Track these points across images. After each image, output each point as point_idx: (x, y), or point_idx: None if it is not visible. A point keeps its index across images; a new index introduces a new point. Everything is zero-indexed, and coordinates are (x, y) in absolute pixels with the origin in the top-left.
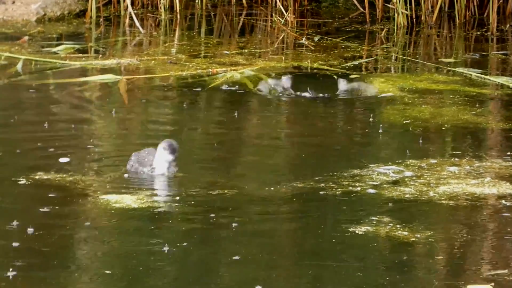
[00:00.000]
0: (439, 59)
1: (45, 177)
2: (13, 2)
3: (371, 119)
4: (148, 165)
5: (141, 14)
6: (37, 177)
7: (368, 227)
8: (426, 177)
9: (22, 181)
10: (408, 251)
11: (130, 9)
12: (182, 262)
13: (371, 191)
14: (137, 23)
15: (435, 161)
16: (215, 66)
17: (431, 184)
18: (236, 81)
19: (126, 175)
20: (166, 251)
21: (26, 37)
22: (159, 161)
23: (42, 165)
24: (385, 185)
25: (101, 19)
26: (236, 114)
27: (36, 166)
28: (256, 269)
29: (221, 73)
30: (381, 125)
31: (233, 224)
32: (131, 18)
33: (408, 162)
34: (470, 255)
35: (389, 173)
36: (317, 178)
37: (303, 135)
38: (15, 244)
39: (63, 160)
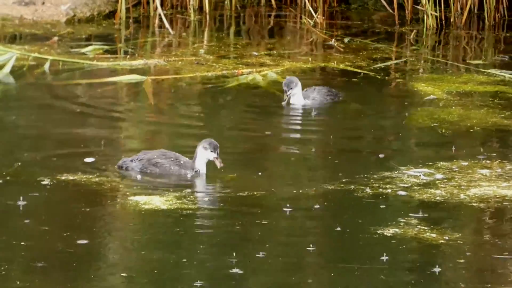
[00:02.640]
0: (468, 61)
1: (71, 178)
2: (43, 3)
3: (403, 122)
4: (189, 168)
5: (170, 15)
6: (63, 178)
7: (396, 229)
8: (457, 179)
9: (46, 181)
10: (436, 253)
11: (159, 10)
12: (209, 262)
13: (402, 193)
14: (166, 24)
15: (466, 163)
16: (241, 67)
17: (462, 187)
18: (258, 83)
19: (139, 177)
20: (193, 254)
21: (56, 38)
22: (201, 162)
23: (68, 166)
24: (415, 187)
25: (130, 20)
26: (260, 115)
27: (62, 166)
28: (283, 271)
29: (245, 74)
30: (411, 127)
31: (262, 225)
32: (160, 19)
33: (439, 165)
34: (498, 258)
35: (420, 175)
36: (347, 180)
37: (333, 137)
38: (44, 244)
39: (88, 160)
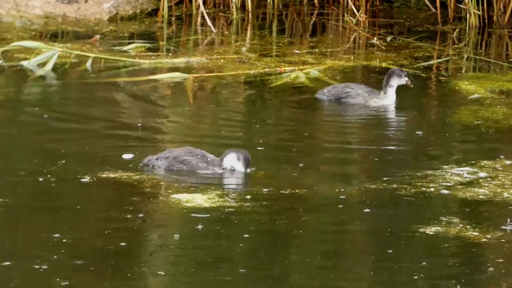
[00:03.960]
0: (510, 59)
1: (112, 175)
2: (86, 1)
3: (447, 120)
4: (217, 165)
5: (212, 13)
6: (104, 175)
7: (438, 228)
8: (500, 178)
9: (86, 179)
10: (478, 252)
11: (202, 8)
12: (249, 261)
13: (445, 191)
14: (209, 22)
15: (509, 162)
16: (283, 65)
17: (505, 185)
18: (301, 82)
19: (163, 169)
20: (234, 251)
21: (98, 36)
22: (228, 162)
23: (108, 163)
24: (458, 186)
25: (173, 18)
26: (304, 113)
27: (103, 163)
28: (323, 269)
29: (287, 72)
30: (454, 126)
31: (304, 223)
32: (202, 17)
33: (483, 163)
34: None
35: (463, 174)
36: (390, 178)
37: (374, 135)
38: (87, 242)
39: (126, 156)
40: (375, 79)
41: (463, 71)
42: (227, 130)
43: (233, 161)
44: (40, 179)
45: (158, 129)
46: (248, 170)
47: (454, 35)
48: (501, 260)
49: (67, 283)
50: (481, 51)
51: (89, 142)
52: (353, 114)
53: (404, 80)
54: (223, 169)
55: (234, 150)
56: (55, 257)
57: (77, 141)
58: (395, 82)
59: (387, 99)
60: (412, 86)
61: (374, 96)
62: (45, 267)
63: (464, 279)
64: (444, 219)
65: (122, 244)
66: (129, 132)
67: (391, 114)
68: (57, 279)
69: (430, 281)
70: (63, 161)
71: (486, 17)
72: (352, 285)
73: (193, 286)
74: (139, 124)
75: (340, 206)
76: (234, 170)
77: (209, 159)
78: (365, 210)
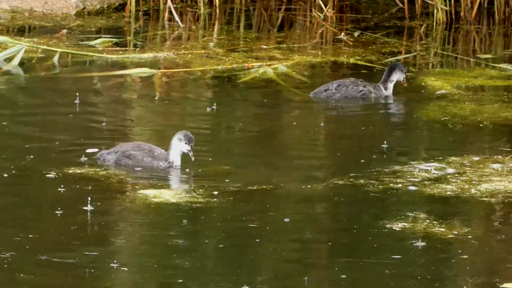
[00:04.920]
0: (478, 55)
1: (78, 171)
2: None
3: (414, 115)
4: (163, 159)
5: (180, 8)
6: (70, 171)
7: (405, 224)
8: (468, 174)
9: (51, 175)
10: (444, 248)
11: (169, 3)
12: (218, 257)
13: (412, 188)
14: (176, 17)
15: (477, 158)
16: (250, 61)
17: (473, 181)
18: (269, 78)
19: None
20: (203, 247)
21: (65, 31)
22: (175, 154)
23: (75, 158)
24: (426, 182)
25: (140, 13)
26: (271, 109)
27: (68, 159)
28: (291, 262)
29: (256, 67)
30: (422, 122)
31: (271, 218)
32: (170, 12)
33: (450, 159)
34: (507, 253)
35: (431, 170)
36: (357, 174)
37: (341, 131)
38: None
39: (90, 150)
40: (344, 75)
41: (430, 66)
42: (195, 125)
43: (177, 145)
44: (5, 175)
45: (125, 124)
46: (190, 147)
47: (421, 30)
48: (467, 256)
49: (32, 277)
50: (448, 46)
51: (55, 137)
52: (324, 109)
53: (402, 77)
54: (169, 163)
55: (175, 136)
56: (19, 252)
57: (42, 137)
58: (396, 77)
59: (387, 92)
60: (405, 85)
61: (378, 91)
62: (8, 264)
63: (430, 275)
64: (411, 215)
65: (87, 239)
66: (95, 127)
67: (357, 109)
68: (21, 275)
69: (395, 277)
70: (31, 156)
71: (453, 12)
72: (319, 281)
73: (158, 281)
74: (105, 119)
75: (307, 202)
76: (178, 165)
77: (155, 154)
78: (331, 206)
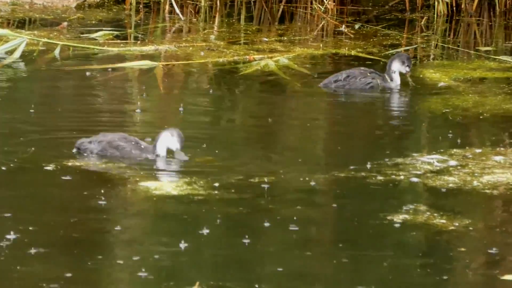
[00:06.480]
0: (478, 47)
1: (77, 163)
2: None
3: (416, 107)
4: (150, 152)
5: (180, 0)
6: (69, 164)
7: (406, 216)
8: (470, 166)
9: (50, 167)
10: (445, 240)
11: None
12: (218, 250)
13: (414, 180)
14: (177, 10)
15: (479, 150)
16: (252, 53)
17: (475, 174)
18: (270, 70)
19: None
20: (203, 239)
21: (65, 23)
22: (162, 147)
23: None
24: (428, 174)
25: (141, 6)
26: (273, 101)
27: (69, 151)
28: (293, 257)
29: (257, 60)
30: (424, 114)
31: (269, 211)
32: (171, 4)
33: (453, 152)
34: (508, 245)
35: (434, 162)
36: (359, 166)
37: (346, 122)
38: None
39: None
40: (345, 67)
41: (431, 59)
42: (195, 118)
43: (166, 139)
44: (3, 168)
45: (128, 117)
46: (180, 147)
47: (422, 23)
48: (467, 249)
49: (29, 269)
50: (449, 39)
51: (56, 130)
52: (326, 102)
53: (404, 69)
54: (156, 155)
55: (166, 130)
56: (17, 245)
57: (43, 129)
58: (396, 67)
59: (393, 83)
60: (410, 80)
61: (385, 83)
62: (4, 256)
63: (430, 267)
64: (412, 207)
65: (86, 233)
66: (98, 120)
67: (360, 101)
68: (18, 267)
69: (395, 269)
70: (33, 149)
71: (454, 5)
72: (319, 273)
73: (154, 275)
74: (107, 112)
75: (308, 194)
76: (164, 156)
77: (142, 146)
78: (333, 198)
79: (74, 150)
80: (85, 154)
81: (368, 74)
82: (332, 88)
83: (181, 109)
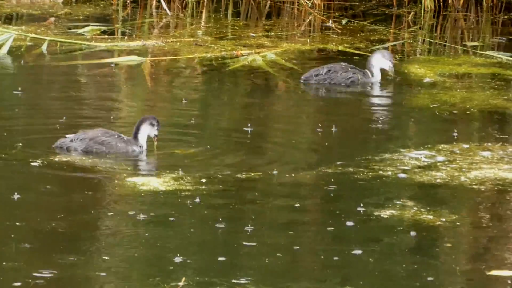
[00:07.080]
0: (465, 43)
1: (64, 159)
2: None
3: (403, 102)
4: (134, 144)
5: None
6: (56, 159)
7: (393, 211)
8: (458, 162)
9: (36, 163)
10: (432, 236)
11: None
12: (206, 244)
13: (402, 175)
14: (164, 5)
15: (467, 146)
16: (239, 49)
17: (463, 169)
18: (258, 65)
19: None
20: (189, 235)
21: (53, 19)
22: (144, 138)
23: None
24: (416, 170)
25: (128, 1)
26: (260, 97)
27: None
28: (277, 251)
29: (244, 55)
30: (410, 109)
31: (258, 205)
32: (158, 0)
33: (440, 147)
34: (495, 241)
35: (421, 157)
36: (346, 162)
37: (333, 118)
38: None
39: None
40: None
41: (418, 54)
42: (182, 113)
43: (148, 130)
44: None
45: (115, 112)
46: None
47: (409, 18)
48: (454, 244)
49: (16, 264)
50: (436, 34)
51: (42, 125)
52: (312, 97)
53: (386, 65)
54: (140, 147)
55: (146, 120)
56: (2, 241)
57: (29, 125)
58: (376, 62)
59: (374, 78)
60: (392, 75)
61: (366, 78)
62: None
63: (417, 263)
64: (399, 202)
65: (73, 228)
66: (87, 114)
67: (347, 97)
68: (4, 263)
69: (382, 264)
70: (20, 144)
71: (441, 0)
72: (305, 269)
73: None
74: (95, 107)
75: (296, 189)
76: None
77: (125, 139)
78: (321, 194)
79: (57, 150)
80: (68, 153)
81: (349, 69)
82: (313, 82)
83: (184, 100)
